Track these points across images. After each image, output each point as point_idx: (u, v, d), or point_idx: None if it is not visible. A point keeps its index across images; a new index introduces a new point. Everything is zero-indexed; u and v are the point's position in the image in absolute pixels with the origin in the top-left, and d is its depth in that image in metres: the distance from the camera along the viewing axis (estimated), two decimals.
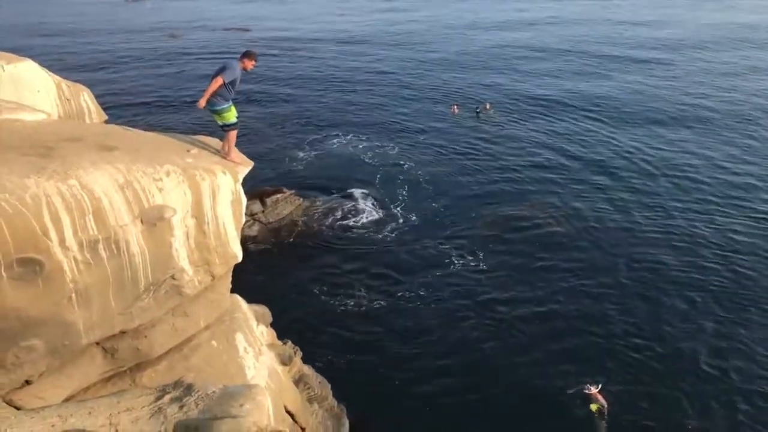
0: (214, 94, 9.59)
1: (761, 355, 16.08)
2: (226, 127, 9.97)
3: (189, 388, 4.20)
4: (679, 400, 14.61)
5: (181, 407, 3.90)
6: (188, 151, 9.43)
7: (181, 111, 36.24)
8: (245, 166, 10.11)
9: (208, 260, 9.00)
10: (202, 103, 9.51)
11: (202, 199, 8.68)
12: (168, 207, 8.05)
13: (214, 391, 4.13)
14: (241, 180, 9.72)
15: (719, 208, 24.03)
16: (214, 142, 10.54)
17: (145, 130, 10.76)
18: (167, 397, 3.99)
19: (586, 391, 14.32)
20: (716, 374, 15.47)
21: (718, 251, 20.93)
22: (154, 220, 7.90)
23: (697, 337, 16.78)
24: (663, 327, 17.20)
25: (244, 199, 9.89)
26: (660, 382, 15.21)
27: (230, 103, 9.87)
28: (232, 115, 9.89)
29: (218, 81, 9.46)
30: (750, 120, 33.77)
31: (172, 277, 8.42)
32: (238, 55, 9.98)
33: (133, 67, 47.30)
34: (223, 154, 9.85)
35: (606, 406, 14.07)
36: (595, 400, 14.18)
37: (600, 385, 14.41)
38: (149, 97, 39.40)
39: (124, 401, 4.34)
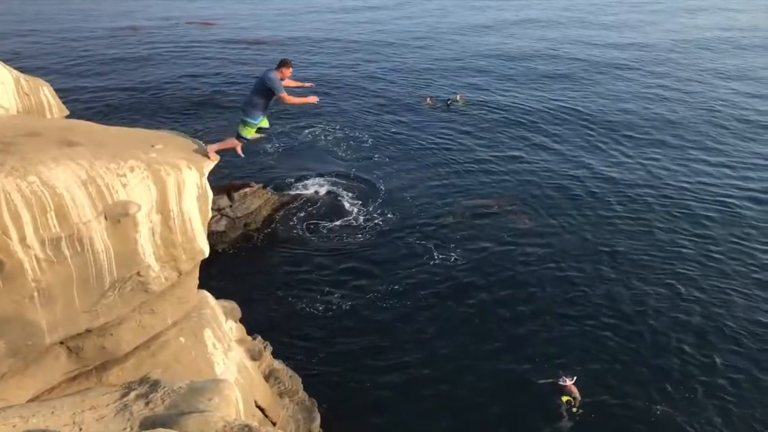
0: (254, 105, 9.56)
1: (741, 345, 16.41)
2: (240, 138, 9.98)
3: (155, 385, 4.17)
4: (652, 391, 14.90)
5: (148, 404, 3.87)
6: (153, 146, 9.30)
7: (144, 105, 35.62)
8: (211, 161, 10.02)
9: (174, 256, 8.91)
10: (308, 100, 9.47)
11: (167, 194, 8.58)
12: (132, 203, 7.94)
13: (180, 387, 4.11)
14: (207, 174, 9.64)
15: (692, 195, 24.54)
16: (178, 136, 10.42)
17: (108, 124, 10.57)
18: (133, 394, 3.95)
19: (561, 383, 14.48)
20: (689, 364, 15.78)
21: (692, 239, 21.38)
22: (118, 217, 7.79)
23: (673, 325, 17.09)
24: (637, 316, 17.48)
25: (210, 194, 9.80)
26: (633, 372, 15.49)
27: (260, 119, 9.83)
28: (252, 132, 9.95)
29: (287, 98, 9.39)
30: (716, 110, 34.52)
31: (138, 274, 8.32)
32: (274, 66, 9.73)
33: (92, 61, 46.22)
34: (210, 147, 9.73)
35: (579, 398, 14.24)
36: (568, 393, 14.36)
37: (575, 378, 14.60)
38: (110, 91, 38.58)
39: (88, 400, 4.29)
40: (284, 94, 9.46)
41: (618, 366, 15.67)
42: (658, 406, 14.37)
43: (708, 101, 36.16)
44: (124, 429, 3.58)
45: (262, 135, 10.60)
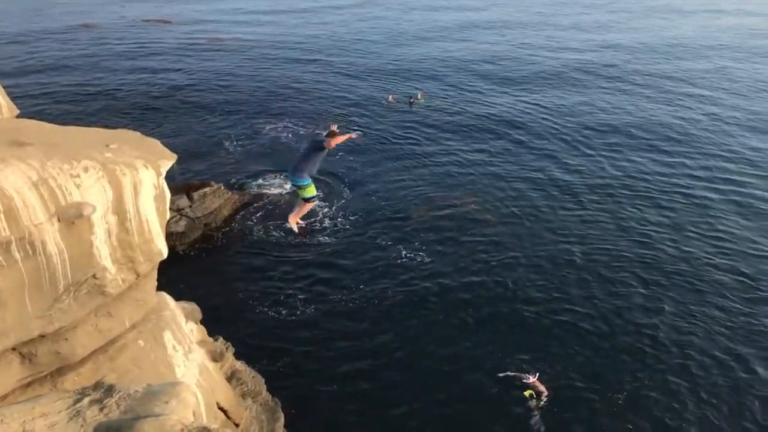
0: (305, 168, 10.07)
1: (708, 331, 16.85)
2: (306, 200, 10.68)
3: (110, 389, 4.07)
4: (616, 381, 15.21)
5: (102, 409, 3.78)
6: (107, 145, 9.08)
7: (98, 104, 34.83)
8: (169, 160, 9.83)
9: (131, 258, 8.73)
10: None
11: (123, 194, 8.39)
12: (87, 204, 7.74)
13: (137, 391, 4.02)
14: (164, 174, 9.46)
15: (654, 186, 25.18)
16: (135, 135, 10.20)
17: (61, 124, 10.30)
18: (86, 400, 3.86)
19: (525, 381, 14.63)
20: (655, 352, 16.15)
21: (655, 229, 21.91)
22: (72, 218, 7.58)
23: (638, 316, 17.48)
24: (602, 308, 17.83)
25: (168, 194, 9.63)
26: (598, 363, 15.79)
27: (311, 179, 10.35)
28: (313, 190, 10.62)
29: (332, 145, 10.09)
30: (675, 107, 35.44)
31: (94, 277, 8.12)
32: (323, 134, 10.28)
33: (44, 59, 44.96)
34: (293, 214, 10.59)
35: (543, 392, 14.43)
36: (532, 387, 14.54)
37: (538, 374, 14.79)
38: (63, 89, 37.60)
39: (39, 407, 4.16)
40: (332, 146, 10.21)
41: (582, 357, 15.95)
42: (621, 396, 14.68)
43: (667, 99, 37.08)
44: None
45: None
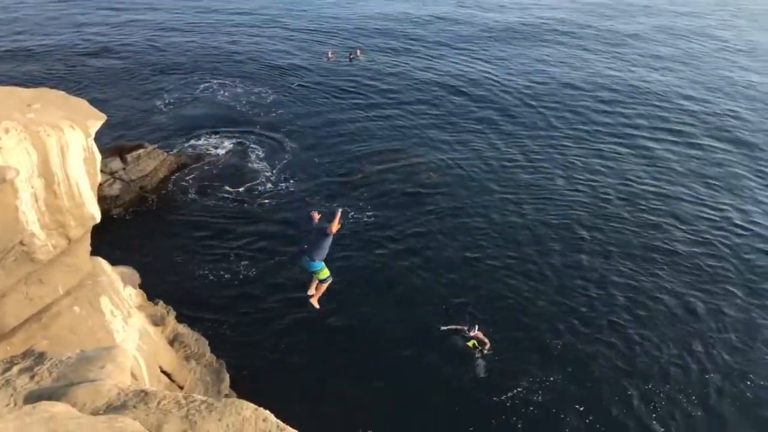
0: (317, 255, 11.13)
1: (636, 280, 17.63)
2: (322, 281, 11.61)
3: (41, 357, 3.97)
4: (556, 328, 15.88)
5: (33, 377, 3.68)
6: (29, 105, 8.62)
7: (17, 62, 32.83)
8: (97, 120, 9.43)
9: (61, 223, 8.41)
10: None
11: (49, 157, 8.03)
12: (9, 168, 7.37)
13: (69, 357, 3.93)
14: (93, 135, 9.08)
15: (589, 146, 25.73)
16: (59, 94, 9.71)
17: None
18: (15, 369, 3.74)
19: (469, 334, 15.01)
20: (592, 300, 16.89)
21: (589, 184, 22.54)
22: None
23: (575, 266, 18.15)
24: (541, 259, 18.44)
25: (98, 156, 9.28)
26: (538, 311, 16.45)
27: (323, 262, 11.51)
28: (327, 272, 11.55)
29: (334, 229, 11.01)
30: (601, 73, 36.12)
31: (21, 243, 7.80)
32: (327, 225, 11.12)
33: None
34: (314, 296, 11.65)
35: (486, 342, 14.91)
36: (474, 338, 14.97)
37: (477, 326, 15.17)
38: None
39: None
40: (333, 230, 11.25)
41: (522, 307, 16.57)
42: (560, 341, 15.39)
43: (610, 54, 37.75)
44: (7, 405, 3.39)
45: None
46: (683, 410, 13.67)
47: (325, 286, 11.79)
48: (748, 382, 14.37)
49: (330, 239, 11.21)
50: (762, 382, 14.36)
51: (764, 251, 18.99)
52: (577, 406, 13.70)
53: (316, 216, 11.59)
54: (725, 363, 14.89)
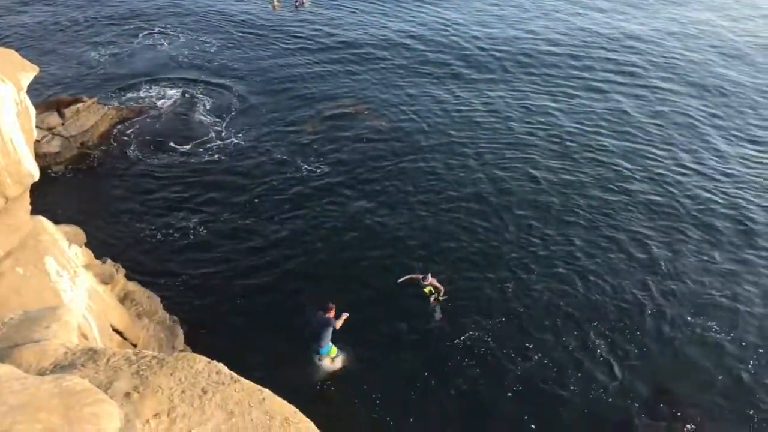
0: (324, 343, 12.78)
1: (593, 222, 18.05)
2: (333, 358, 13.28)
3: None
4: (510, 271, 16.21)
5: None
6: None
7: None
8: (29, 72, 8.97)
9: None
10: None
11: None
12: None
13: (12, 318, 3.83)
14: (25, 88, 8.65)
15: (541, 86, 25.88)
16: None
17: None
18: None
19: (424, 282, 15.12)
20: (549, 244, 17.19)
21: (545, 127, 22.66)
22: None
23: (532, 210, 18.37)
24: (497, 202, 18.60)
25: (33, 110, 8.86)
26: (493, 254, 16.73)
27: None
28: (335, 350, 13.17)
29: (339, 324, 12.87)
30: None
31: None
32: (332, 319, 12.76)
33: None
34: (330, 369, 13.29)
35: (441, 288, 15.10)
36: (430, 286, 15.16)
37: (429, 274, 15.27)
38: None
39: None
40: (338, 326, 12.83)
41: (475, 251, 16.78)
42: (514, 283, 15.77)
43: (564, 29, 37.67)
44: None
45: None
46: (636, 348, 14.24)
47: (338, 360, 13.33)
48: (700, 321, 14.98)
49: (332, 328, 12.72)
50: (711, 323, 14.98)
51: (707, 189, 19.65)
52: (528, 345, 14.18)
53: (330, 312, 12.89)
54: (678, 302, 15.48)
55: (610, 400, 13.12)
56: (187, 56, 27.40)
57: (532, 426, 12.55)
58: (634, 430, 12.67)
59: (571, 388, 13.30)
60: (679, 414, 12.93)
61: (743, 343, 14.49)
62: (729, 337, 14.60)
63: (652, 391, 13.40)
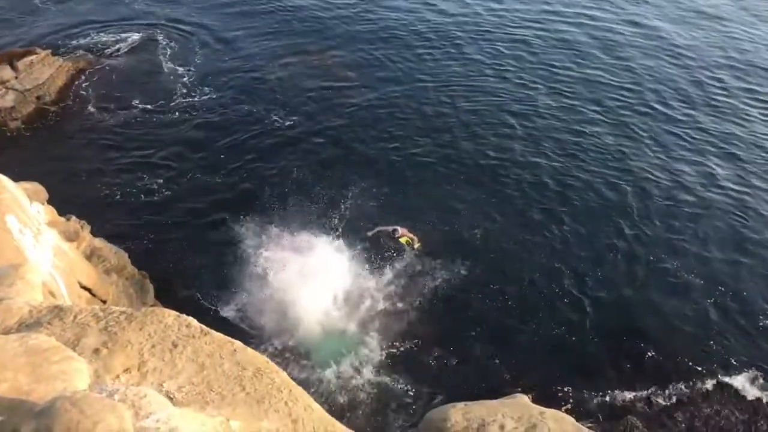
0: None
1: (549, 165, 18.24)
2: None
3: None
4: (483, 213, 16.48)
5: None
6: None
7: None
8: None
9: None
10: None
11: None
12: None
13: None
14: None
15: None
16: None
17: None
18: None
19: (395, 235, 15.09)
20: (507, 181, 17.47)
21: (528, 82, 22.41)
22: None
23: (506, 163, 18.37)
24: (461, 141, 18.76)
25: None
26: (461, 198, 16.90)
27: None
28: None
29: None
30: None
31: None
32: None
33: None
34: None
35: (414, 237, 15.19)
36: (405, 236, 15.24)
37: (398, 226, 15.17)
38: None
39: None
40: None
41: (444, 198, 16.88)
42: (478, 231, 15.92)
43: None
44: None
45: None
46: (605, 288, 14.72)
47: None
48: (674, 262, 15.44)
49: None
50: (676, 263, 15.45)
51: (674, 133, 19.96)
52: (499, 286, 14.54)
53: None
54: (651, 243, 15.91)
55: (576, 337, 13.57)
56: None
57: (496, 361, 13.01)
58: (602, 364, 13.14)
59: (539, 325, 13.80)
60: (643, 346, 13.42)
61: (705, 282, 15.00)
62: (693, 276, 15.11)
63: (618, 328, 13.88)
